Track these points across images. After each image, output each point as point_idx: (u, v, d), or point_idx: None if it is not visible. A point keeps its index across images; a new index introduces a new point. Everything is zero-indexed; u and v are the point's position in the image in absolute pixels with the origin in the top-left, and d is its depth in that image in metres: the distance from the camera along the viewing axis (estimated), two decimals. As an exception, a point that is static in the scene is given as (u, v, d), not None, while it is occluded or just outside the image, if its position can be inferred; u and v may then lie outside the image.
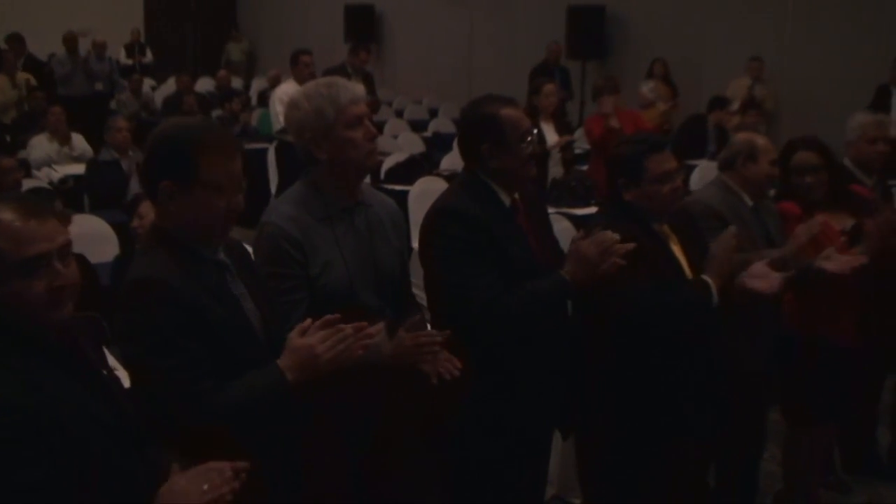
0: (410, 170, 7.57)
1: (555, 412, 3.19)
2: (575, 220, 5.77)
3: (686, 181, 7.92)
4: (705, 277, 3.16)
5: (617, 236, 2.91)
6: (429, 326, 3.00)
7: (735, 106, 9.97)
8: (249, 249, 2.65)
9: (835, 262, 3.43)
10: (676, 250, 3.28)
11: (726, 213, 3.63)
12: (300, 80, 7.06)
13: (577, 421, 3.31)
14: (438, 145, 10.10)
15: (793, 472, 4.15)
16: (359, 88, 2.85)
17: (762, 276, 3.21)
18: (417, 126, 12.15)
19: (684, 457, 3.36)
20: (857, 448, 4.71)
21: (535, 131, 3.13)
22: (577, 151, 7.88)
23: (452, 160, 8.08)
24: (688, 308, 3.15)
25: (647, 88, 10.53)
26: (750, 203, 3.76)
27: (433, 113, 13.71)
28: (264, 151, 8.75)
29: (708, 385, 3.25)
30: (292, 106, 2.82)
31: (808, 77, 10.25)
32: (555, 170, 7.21)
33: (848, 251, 3.60)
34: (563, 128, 7.68)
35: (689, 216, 3.50)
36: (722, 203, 3.70)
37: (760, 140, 3.82)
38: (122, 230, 5.31)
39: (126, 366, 2.36)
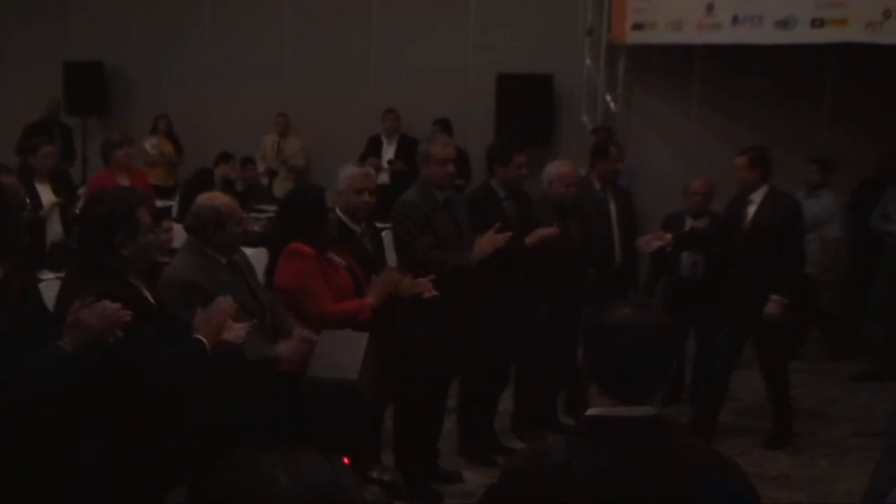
0: None
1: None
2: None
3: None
4: (198, 337, 3.30)
5: (117, 305, 2.93)
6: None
7: (261, 167, 10.46)
8: None
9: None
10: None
11: (200, 279, 3.72)
12: None
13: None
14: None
15: None
16: None
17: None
18: None
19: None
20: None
21: (29, 200, 3.08)
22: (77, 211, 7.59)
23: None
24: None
25: (150, 144, 10.51)
26: (224, 261, 3.89)
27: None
28: None
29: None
30: None
31: (330, 131, 10.92)
32: (53, 233, 6.92)
33: (352, 282, 4.31)
34: (63, 189, 7.40)
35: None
36: (194, 269, 3.78)
37: (222, 202, 3.93)
38: None
39: None
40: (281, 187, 10.56)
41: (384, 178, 9.74)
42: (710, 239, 6.42)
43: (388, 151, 10.32)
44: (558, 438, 2.11)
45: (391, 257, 5.32)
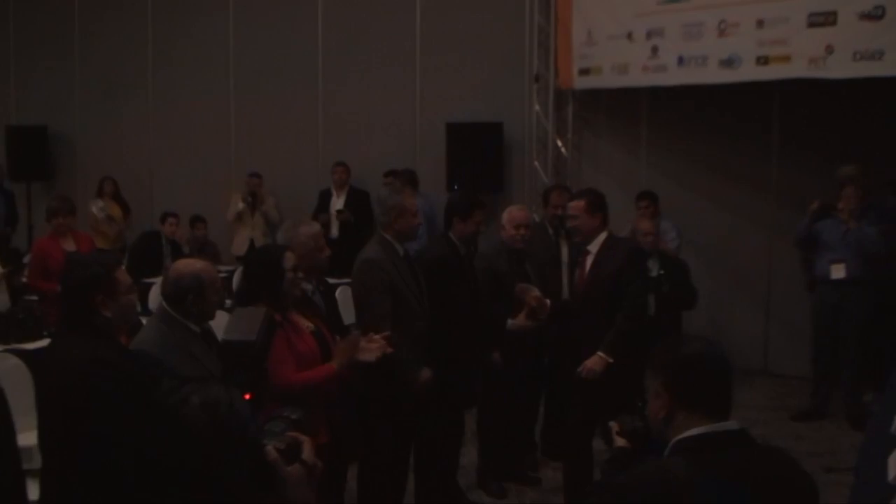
0: None
1: None
2: (24, 355, 5.33)
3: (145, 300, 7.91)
4: None
5: None
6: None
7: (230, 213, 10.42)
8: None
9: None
10: None
11: (165, 353, 3.60)
12: None
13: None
14: None
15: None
16: None
17: None
18: None
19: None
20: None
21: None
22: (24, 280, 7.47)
23: None
24: None
25: (97, 208, 10.41)
26: (197, 329, 3.80)
27: None
28: None
29: None
30: None
31: (279, 186, 10.89)
32: (0, 303, 6.78)
33: (317, 347, 4.24)
34: (9, 257, 7.32)
35: None
36: (164, 344, 3.66)
37: (202, 268, 3.84)
38: None
39: None
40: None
41: (333, 230, 9.73)
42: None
43: (338, 204, 10.26)
44: (672, 458, 2.39)
45: (346, 314, 5.25)
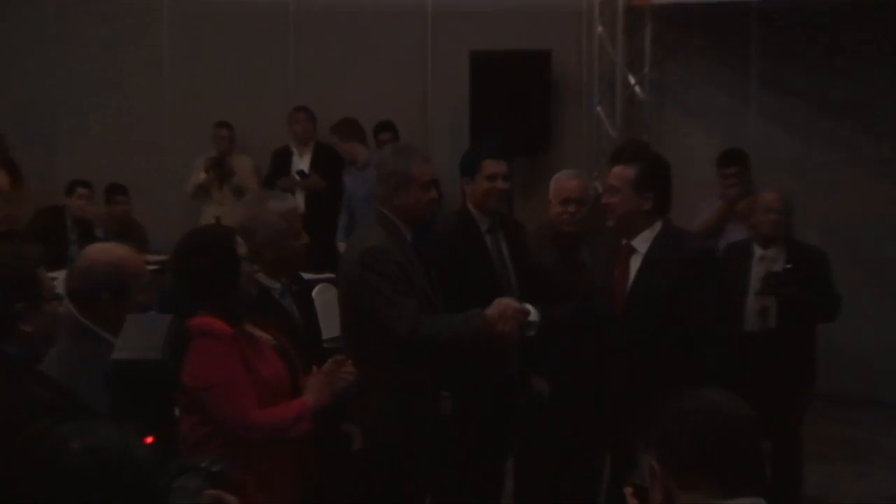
0: None
1: None
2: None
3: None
4: None
5: None
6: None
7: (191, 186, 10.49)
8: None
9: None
10: None
11: (74, 378, 3.51)
12: None
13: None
14: None
15: None
16: None
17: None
18: None
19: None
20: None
21: None
22: None
23: None
24: None
25: (-26, 175, 10.21)
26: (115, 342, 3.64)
27: None
28: None
29: None
30: None
31: (264, 146, 10.74)
32: None
33: (285, 371, 4.23)
34: None
35: None
36: (71, 357, 3.67)
37: (122, 257, 3.91)
38: None
39: None
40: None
41: (298, 203, 9.47)
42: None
43: (301, 164, 10.32)
44: None
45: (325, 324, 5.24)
